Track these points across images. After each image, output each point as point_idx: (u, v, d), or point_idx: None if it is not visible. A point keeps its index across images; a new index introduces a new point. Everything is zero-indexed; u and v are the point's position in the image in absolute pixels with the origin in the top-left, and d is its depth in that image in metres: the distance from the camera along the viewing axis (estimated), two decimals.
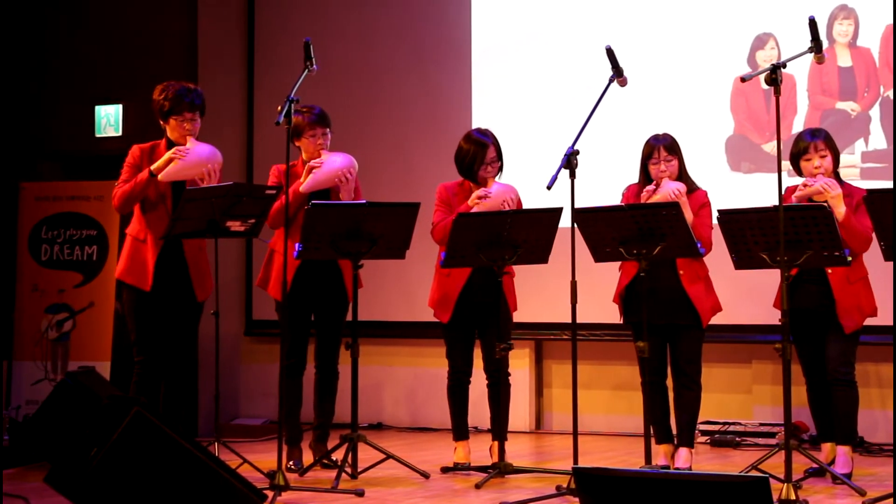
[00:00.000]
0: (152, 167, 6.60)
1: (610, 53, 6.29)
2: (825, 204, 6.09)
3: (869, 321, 6.53)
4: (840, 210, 6.23)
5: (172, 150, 6.62)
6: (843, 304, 6.38)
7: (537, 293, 8.37)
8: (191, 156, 6.59)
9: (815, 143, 6.47)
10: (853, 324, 6.39)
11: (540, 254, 6.55)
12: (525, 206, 6.90)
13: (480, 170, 6.86)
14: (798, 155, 6.52)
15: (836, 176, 6.50)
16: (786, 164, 6.43)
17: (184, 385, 6.91)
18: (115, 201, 6.68)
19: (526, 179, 8.03)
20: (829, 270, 6.34)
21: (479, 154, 6.85)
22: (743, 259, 6.04)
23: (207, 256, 6.79)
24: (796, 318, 6.33)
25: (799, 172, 6.53)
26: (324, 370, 7.02)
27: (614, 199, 6.86)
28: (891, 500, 5.73)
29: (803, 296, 6.43)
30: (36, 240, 9.05)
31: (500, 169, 6.94)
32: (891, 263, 5.98)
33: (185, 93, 6.70)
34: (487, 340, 6.92)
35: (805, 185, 6.39)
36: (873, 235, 5.95)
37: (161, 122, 6.78)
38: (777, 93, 5.61)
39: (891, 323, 7.42)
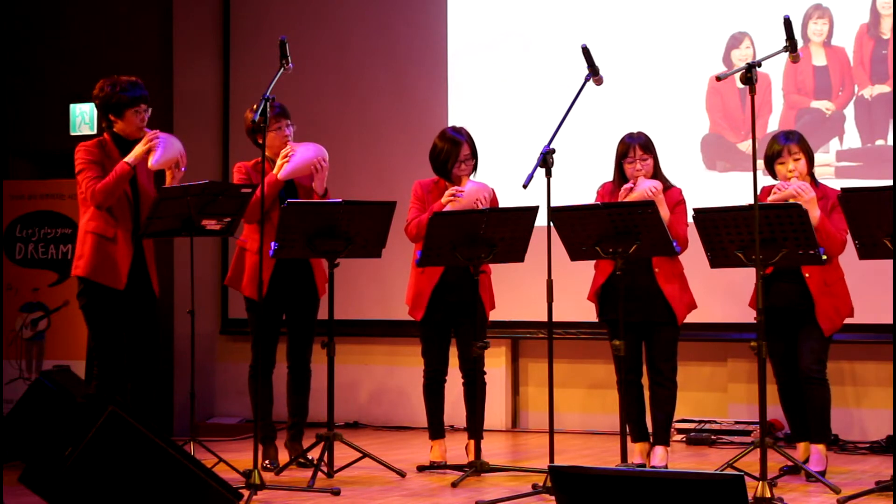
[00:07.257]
0: (127, 159, 6.43)
1: (585, 52, 6.29)
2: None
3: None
4: (814, 214, 6.23)
5: (147, 138, 6.46)
6: (822, 307, 6.39)
7: (513, 292, 8.38)
8: (166, 142, 6.48)
9: (789, 147, 6.47)
10: (832, 326, 6.42)
11: (516, 252, 6.55)
12: (501, 204, 6.91)
13: (454, 168, 6.86)
14: (772, 158, 6.52)
15: (812, 178, 6.52)
16: (760, 164, 6.44)
17: (151, 383, 6.82)
18: (97, 197, 6.40)
19: (502, 178, 8.03)
20: (807, 273, 6.35)
21: (454, 152, 6.85)
22: (718, 258, 6.04)
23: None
24: (768, 316, 6.34)
25: (773, 174, 6.54)
26: (296, 369, 7.01)
27: (590, 197, 6.86)
28: (865, 497, 5.76)
29: (776, 294, 6.43)
30: (10, 238, 9.01)
31: (475, 167, 6.95)
32: (864, 263, 6.02)
33: (134, 85, 6.55)
34: (462, 339, 6.92)
35: (778, 190, 6.39)
36: (847, 237, 5.97)
37: (110, 117, 6.54)
38: (752, 92, 5.62)
39: (865, 321, 7.44)
